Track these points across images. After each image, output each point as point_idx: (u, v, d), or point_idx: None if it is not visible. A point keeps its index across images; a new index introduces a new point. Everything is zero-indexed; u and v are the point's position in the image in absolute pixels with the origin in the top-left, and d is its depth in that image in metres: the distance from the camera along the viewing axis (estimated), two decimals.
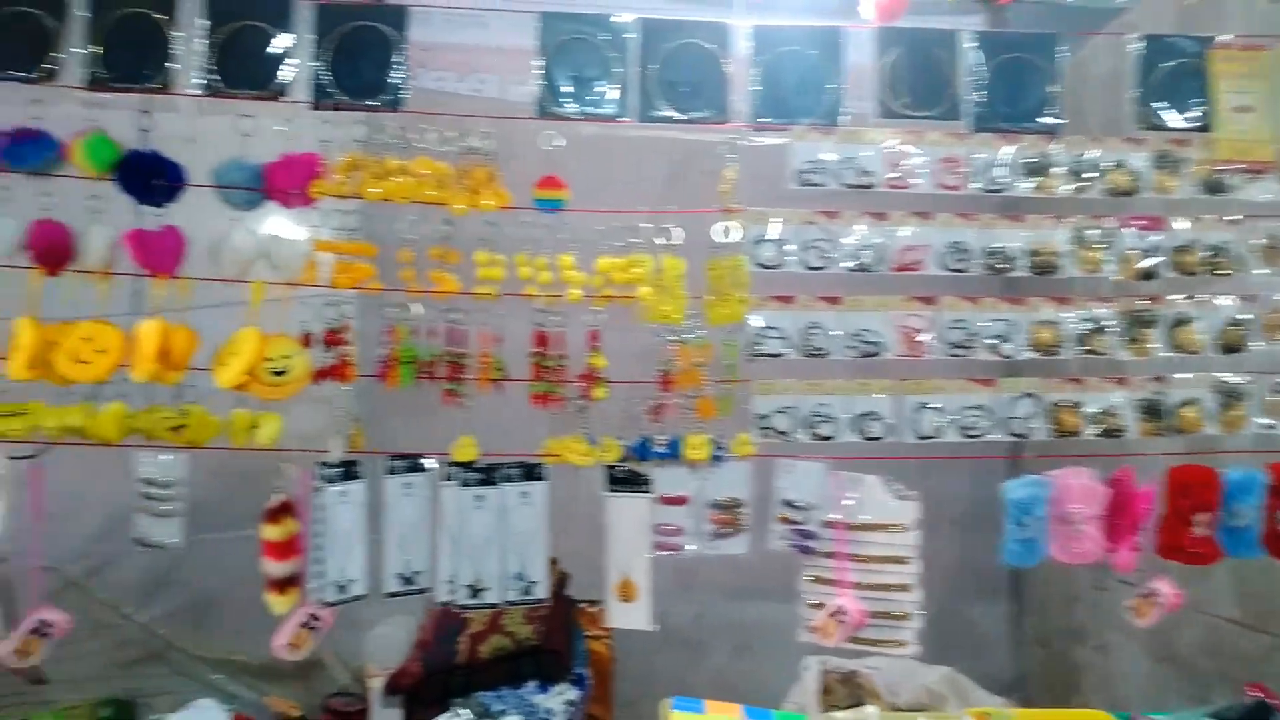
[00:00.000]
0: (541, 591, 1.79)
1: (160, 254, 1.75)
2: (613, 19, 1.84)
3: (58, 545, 2.54)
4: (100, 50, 1.77)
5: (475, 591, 1.77)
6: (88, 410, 1.72)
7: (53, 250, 1.73)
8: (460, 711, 2.29)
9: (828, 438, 1.83)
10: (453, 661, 3.10)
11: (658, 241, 1.82)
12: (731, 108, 1.84)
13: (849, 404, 1.84)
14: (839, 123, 1.86)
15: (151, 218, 1.78)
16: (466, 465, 1.78)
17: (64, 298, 1.75)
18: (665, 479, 1.81)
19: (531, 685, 2.93)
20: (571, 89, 1.81)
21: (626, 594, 1.80)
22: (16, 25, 1.77)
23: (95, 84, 1.77)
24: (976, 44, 1.90)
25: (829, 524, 1.84)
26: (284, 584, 1.74)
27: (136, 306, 1.86)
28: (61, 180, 1.77)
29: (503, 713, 2.84)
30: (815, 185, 1.85)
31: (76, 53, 1.76)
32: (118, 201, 1.78)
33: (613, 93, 1.82)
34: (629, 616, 1.80)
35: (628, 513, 1.79)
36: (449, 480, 1.77)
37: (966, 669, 2.36)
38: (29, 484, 1.76)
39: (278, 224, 1.80)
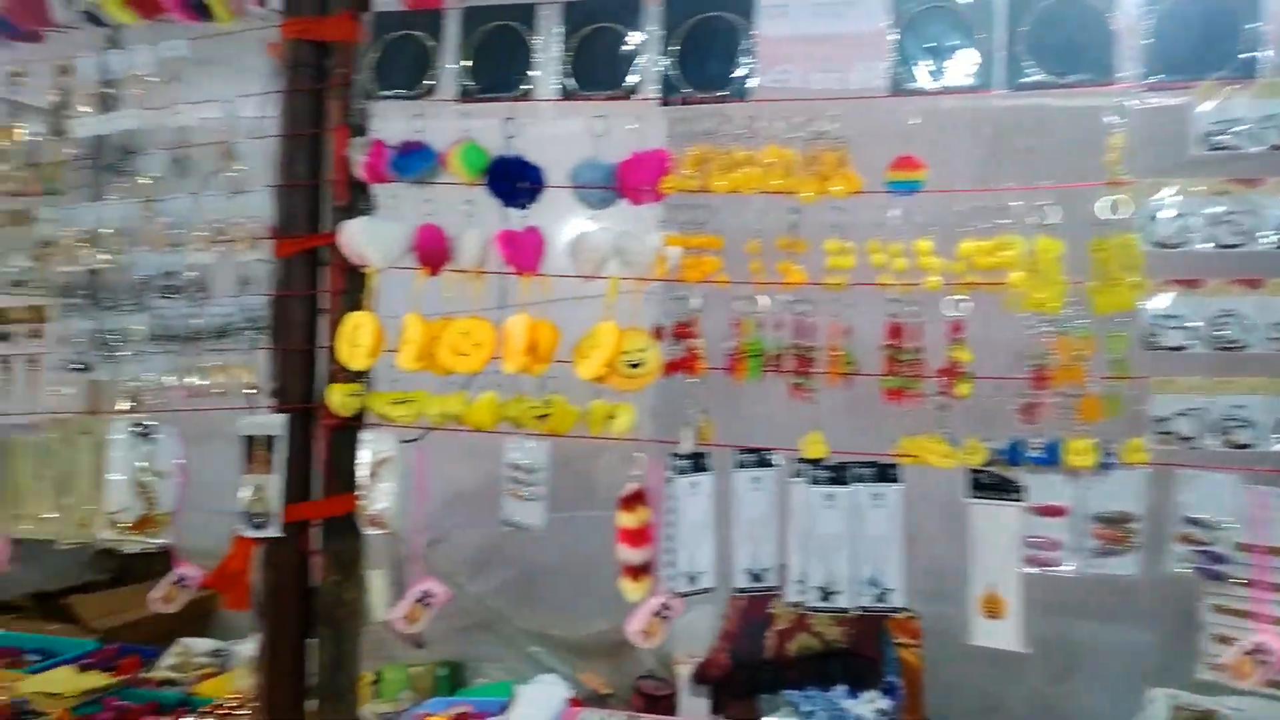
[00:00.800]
0: (898, 599, 1.68)
1: (525, 253, 1.84)
2: None
3: (406, 518, 2.82)
4: (470, 64, 1.90)
5: (826, 594, 1.70)
6: (464, 399, 1.85)
7: (434, 252, 1.88)
8: None
9: (1245, 446, 1.56)
10: (760, 656, 3.08)
11: (1030, 221, 1.64)
12: (1117, 67, 1.61)
13: (1272, 406, 1.55)
14: (1257, 75, 1.57)
15: (516, 218, 1.89)
16: (815, 462, 1.71)
17: (442, 295, 1.91)
18: (1040, 487, 1.63)
19: (841, 689, 2.84)
20: (929, 62, 1.68)
21: (993, 609, 1.64)
22: (401, 48, 1.95)
23: (466, 96, 1.90)
24: None
25: (1245, 547, 1.56)
26: (638, 571, 1.77)
27: (500, 301, 1.99)
28: (437, 186, 1.93)
29: (811, 714, 2.77)
30: (1228, 149, 1.58)
31: (450, 68, 1.91)
32: (484, 204, 1.91)
33: (974, 62, 1.66)
34: (996, 634, 1.64)
35: (996, 522, 1.64)
36: (798, 477, 1.71)
37: None
38: (415, 465, 1.94)
39: (630, 220, 1.84)
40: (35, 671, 2.59)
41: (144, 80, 2.17)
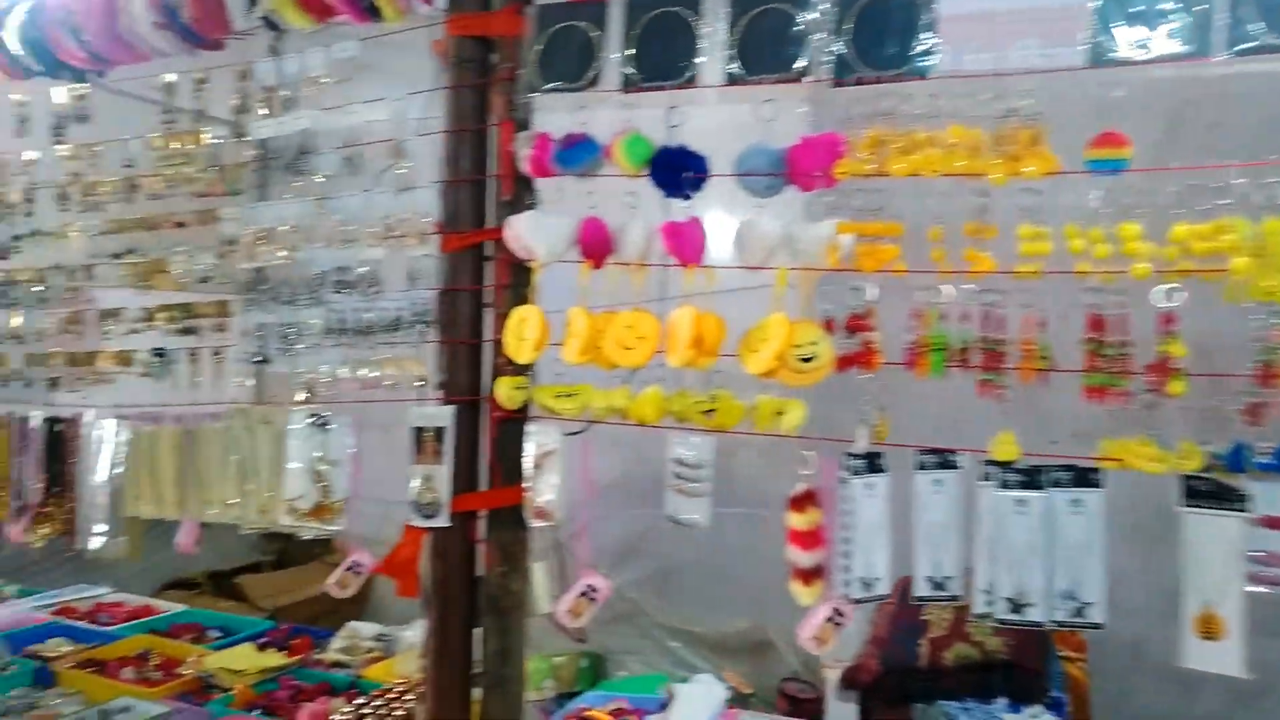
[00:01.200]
0: (1099, 615, 1.55)
1: (689, 244, 1.80)
2: None
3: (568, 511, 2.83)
4: (633, 53, 1.87)
5: (1016, 606, 1.59)
6: (628, 393, 1.83)
7: (598, 245, 1.87)
8: None
9: None
10: (913, 664, 2.96)
11: (1255, 201, 1.47)
12: None
13: None
14: None
15: (679, 209, 1.85)
16: (1005, 465, 1.60)
17: (604, 288, 1.89)
18: (1268, 496, 1.46)
19: (1001, 703, 2.69)
20: (1134, 30, 1.53)
21: (1209, 630, 1.49)
22: (565, 39, 1.94)
23: (629, 86, 1.87)
24: None
25: None
26: (809, 575, 1.70)
27: (660, 294, 1.96)
28: (600, 178, 1.90)
29: None
30: None
31: (613, 58, 1.88)
32: (646, 195, 1.87)
33: (1186, 28, 1.50)
34: (1212, 657, 1.49)
35: (1214, 534, 1.48)
36: (986, 480, 1.60)
37: None
38: (576, 458, 1.93)
39: (799, 208, 1.77)
40: (218, 648, 2.74)
41: (317, 82, 2.25)
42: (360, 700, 2.26)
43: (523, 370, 1.92)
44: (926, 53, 1.65)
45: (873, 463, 1.69)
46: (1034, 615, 1.58)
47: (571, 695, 3.14)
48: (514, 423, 1.95)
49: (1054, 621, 1.57)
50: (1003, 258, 1.60)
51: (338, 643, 2.76)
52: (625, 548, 3.95)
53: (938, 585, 1.64)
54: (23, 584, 3.48)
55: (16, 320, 2.76)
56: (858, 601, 1.69)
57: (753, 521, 2.57)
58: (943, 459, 1.64)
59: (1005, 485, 1.59)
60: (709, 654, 4.07)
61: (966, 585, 1.64)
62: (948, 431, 1.73)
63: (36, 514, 2.64)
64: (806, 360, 1.66)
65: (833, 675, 3.06)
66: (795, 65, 1.74)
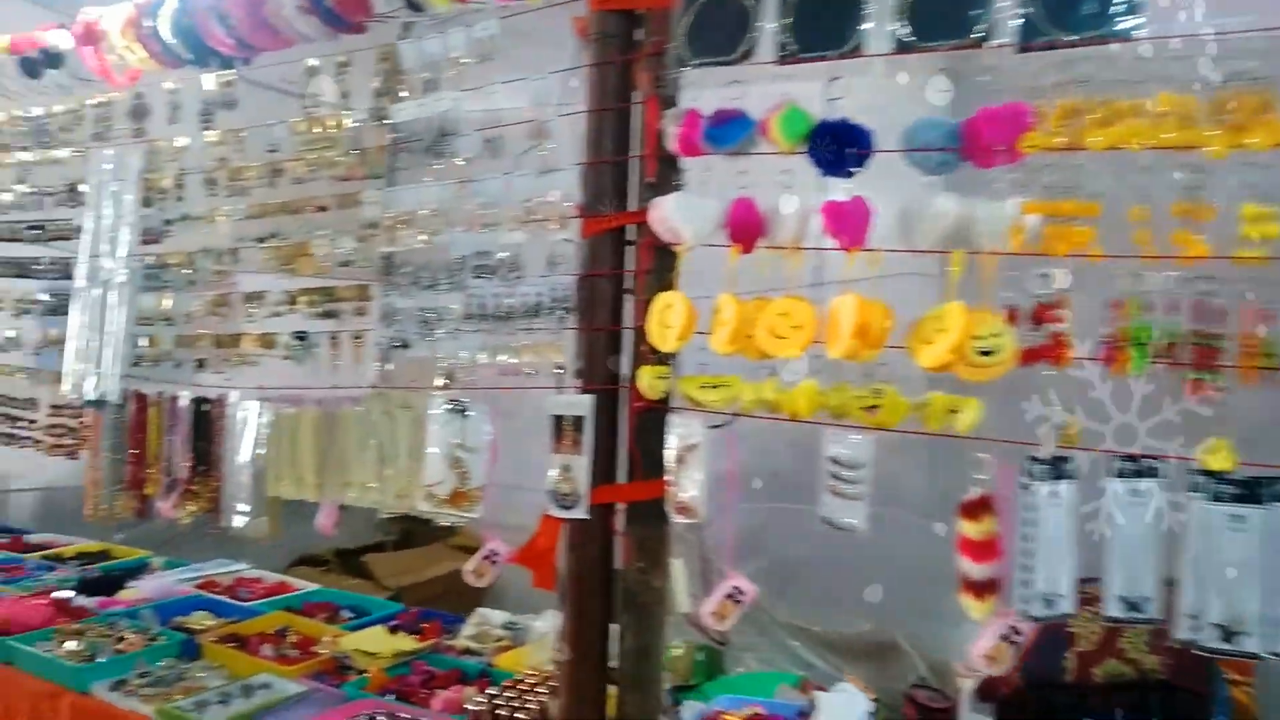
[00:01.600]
0: None
1: (852, 225, 1.67)
2: None
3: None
4: (791, 21, 1.74)
5: (1228, 634, 1.40)
6: (780, 385, 1.72)
7: (748, 227, 1.76)
8: None
9: None
10: (1058, 678, 2.77)
11: None
12: None
13: None
14: None
15: (838, 188, 1.72)
16: (1218, 475, 1.42)
17: (756, 274, 1.78)
18: None
19: None
20: None
21: None
22: (716, 9, 1.83)
23: (786, 57, 1.75)
24: None
25: None
26: (982, 588, 1.56)
27: (814, 279, 1.84)
28: (751, 157, 1.79)
29: None
30: None
31: (769, 28, 1.76)
32: (802, 174, 1.75)
33: None
34: None
35: None
36: (1195, 492, 1.42)
37: None
38: (726, 452, 1.83)
39: (976, 185, 1.62)
40: (352, 629, 2.77)
41: (458, 63, 2.21)
42: (493, 690, 2.22)
43: (665, 359, 1.83)
44: (1130, 10, 1.47)
45: (1058, 468, 1.53)
46: (1249, 645, 1.39)
47: (687, 688, 3.06)
48: (655, 414, 1.87)
49: (1272, 652, 1.39)
50: (1219, 242, 1.42)
51: (468, 629, 2.75)
52: (743, 542, 3.83)
53: (1133, 606, 1.47)
54: (167, 555, 3.63)
55: (167, 302, 2.85)
56: (1037, 620, 1.53)
57: (880, 521, 2.43)
58: (1142, 466, 1.47)
59: (1218, 498, 1.41)
60: (829, 655, 3.94)
61: (1166, 607, 1.47)
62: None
63: (185, 491, 2.72)
64: (986, 354, 1.52)
65: (968, 685, 2.89)
66: (977, 28, 1.58)
